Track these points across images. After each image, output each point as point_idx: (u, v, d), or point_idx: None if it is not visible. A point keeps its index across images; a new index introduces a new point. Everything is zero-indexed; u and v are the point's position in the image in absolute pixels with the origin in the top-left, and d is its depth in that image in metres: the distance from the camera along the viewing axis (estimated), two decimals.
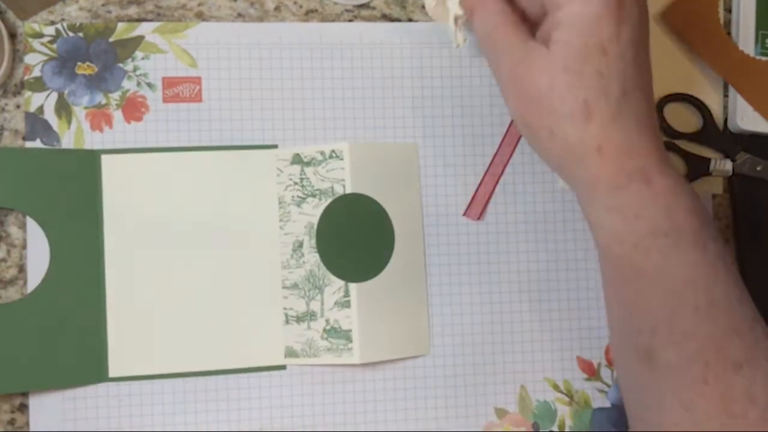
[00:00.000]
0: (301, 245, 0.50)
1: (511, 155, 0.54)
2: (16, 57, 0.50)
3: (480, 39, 0.42)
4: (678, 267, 0.39)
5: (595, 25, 0.38)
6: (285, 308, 0.51)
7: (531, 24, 0.42)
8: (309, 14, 0.53)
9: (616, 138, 0.39)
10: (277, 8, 0.53)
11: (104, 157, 0.50)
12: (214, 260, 0.50)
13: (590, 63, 0.38)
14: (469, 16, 0.43)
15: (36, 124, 0.50)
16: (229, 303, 0.50)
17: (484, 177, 0.54)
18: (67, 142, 0.50)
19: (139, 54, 0.51)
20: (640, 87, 0.40)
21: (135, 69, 0.51)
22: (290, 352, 0.50)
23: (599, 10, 0.38)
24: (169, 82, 0.51)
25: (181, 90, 0.51)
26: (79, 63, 0.50)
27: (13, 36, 0.50)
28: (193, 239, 0.50)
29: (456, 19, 0.44)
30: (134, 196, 0.50)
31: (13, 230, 0.50)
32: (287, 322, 0.50)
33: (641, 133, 0.39)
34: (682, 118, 0.56)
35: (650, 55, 0.41)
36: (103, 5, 0.51)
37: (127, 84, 0.51)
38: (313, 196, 0.50)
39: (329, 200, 0.50)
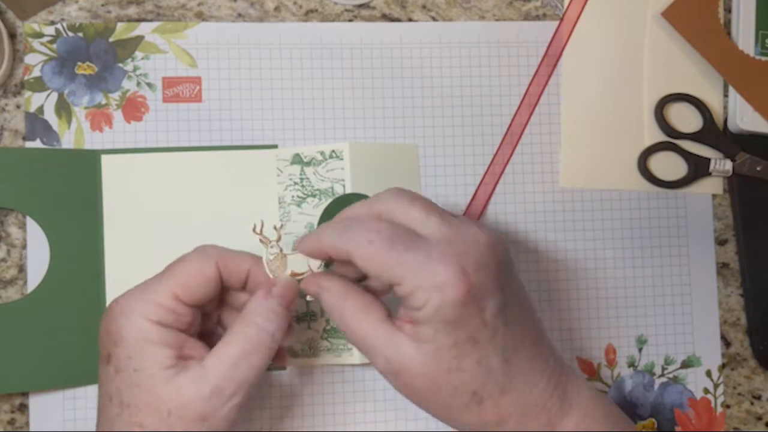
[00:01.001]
0: None
1: (511, 155, 0.54)
2: (16, 57, 0.50)
3: (338, 326, 0.41)
4: None
5: (460, 319, 0.37)
6: None
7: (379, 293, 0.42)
8: (309, 14, 0.53)
9: (511, 407, 0.39)
10: (277, 8, 0.53)
11: (104, 157, 0.50)
12: None
13: (467, 357, 0.38)
14: (316, 297, 0.42)
15: (36, 124, 0.50)
16: None
17: (484, 177, 0.54)
18: (67, 142, 0.50)
19: (139, 54, 0.51)
20: (522, 336, 0.40)
21: (135, 69, 0.51)
22: (290, 352, 0.50)
23: (455, 297, 0.37)
24: (169, 82, 0.51)
25: (181, 90, 0.51)
26: (79, 63, 0.50)
27: (13, 36, 0.50)
28: (193, 239, 0.50)
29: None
30: (134, 196, 0.50)
31: (13, 230, 0.50)
32: None
33: (535, 385, 0.40)
34: (682, 118, 0.56)
35: (522, 285, 0.42)
36: (103, 5, 0.51)
37: (127, 84, 0.51)
38: (313, 196, 0.50)
39: (329, 200, 0.50)
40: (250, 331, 0.40)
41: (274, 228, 0.44)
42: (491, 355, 0.39)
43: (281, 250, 0.43)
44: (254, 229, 0.43)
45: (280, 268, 0.43)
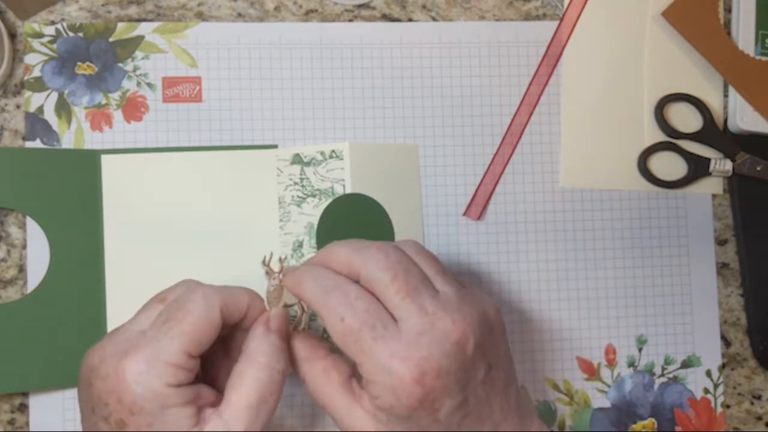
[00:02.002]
0: (301, 245, 0.50)
1: (511, 155, 0.54)
2: (16, 57, 0.50)
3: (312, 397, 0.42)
4: None
5: (412, 417, 0.38)
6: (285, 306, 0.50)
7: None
8: (309, 14, 0.53)
9: None
10: (277, 8, 0.53)
11: (104, 157, 0.50)
12: (214, 260, 0.50)
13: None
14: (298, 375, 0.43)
15: (36, 124, 0.50)
16: None
17: (484, 177, 0.54)
18: (67, 142, 0.50)
19: (139, 54, 0.51)
20: (485, 419, 0.40)
21: (135, 69, 0.51)
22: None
23: (408, 402, 0.37)
24: (169, 82, 0.51)
25: (181, 90, 0.51)
26: (79, 63, 0.50)
27: (13, 36, 0.50)
28: (193, 239, 0.50)
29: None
30: (134, 196, 0.50)
31: (13, 230, 0.50)
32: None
33: None
34: (682, 118, 0.56)
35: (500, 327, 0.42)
36: (103, 5, 0.51)
37: (127, 84, 0.51)
38: (313, 196, 0.50)
39: (329, 200, 0.50)
40: (263, 375, 0.40)
41: (279, 260, 0.44)
42: None
43: (280, 282, 0.43)
44: (263, 261, 0.44)
45: (276, 299, 0.43)
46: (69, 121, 0.50)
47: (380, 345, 0.38)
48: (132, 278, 0.49)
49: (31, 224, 0.49)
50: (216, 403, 0.40)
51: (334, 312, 0.39)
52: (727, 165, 0.55)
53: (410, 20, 0.54)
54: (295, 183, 0.51)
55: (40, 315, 0.48)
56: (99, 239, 0.49)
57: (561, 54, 0.55)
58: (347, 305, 0.39)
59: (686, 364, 0.55)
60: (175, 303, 0.40)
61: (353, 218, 0.50)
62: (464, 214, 0.53)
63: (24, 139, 0.50)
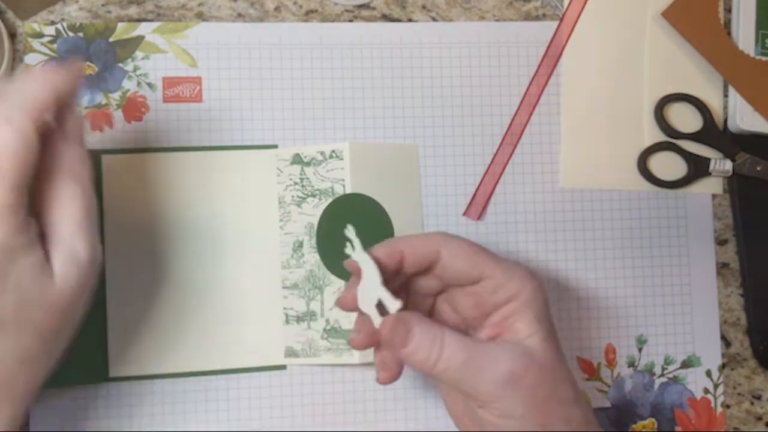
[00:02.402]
0: (301, 245, 0.50)
1: (511, 155, 0.54)
2: (16, 57, 0.50)
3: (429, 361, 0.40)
4: None
5: (545, 308, 0.41)
6: (285, 308, 0.51)
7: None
8: (309, 14, 0.53)
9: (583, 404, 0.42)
10: (277, 8, 0.53)
11: (104, 157, 0.50)
12: (214, 260, 0.50)
13: (559, 350, 0.41)
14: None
15: None
16: (229, 303, 0.50)
17: (484, 177, 0.54)
18: None
19: (139, 54, 0.51)
20: None
21: (135, 69, 0.51)
22: (290, 352, 0.50)
23: (540, 285, 0.42)
24: (169, 82, 0.51)
25: (181, 90, 0.51)
26: None
27: (13, 36, 0.50)
28: (192, 239, 0.50)
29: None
30: (134, 195, 0.50)
31: None
32: (287, 322, 0.50)
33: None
34: (682, 118, 0.56)
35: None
36: (103, 5, 0.51)
37: (127, 84, 0.51)
38: (313, 196, 0.50)
39: (329, 200, 0.50)
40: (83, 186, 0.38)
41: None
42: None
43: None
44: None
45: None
46: None
47: (497, 255, 0.43)
48: (132, 278, 0.49)
49: None
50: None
51: (448, 238, 0.42)
52: (727, 165, 0.55)
53: (410, 20, 0.54)
54: (295, 183, 0.51)
55: None
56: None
57: (561, 54, 0.55)
58: (453, 235, 0.43)
59: (686, 364, 0.55)
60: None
61: (353, 218, 0.50)
62: (464, 214, 0.53)
63: None
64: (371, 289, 0.41)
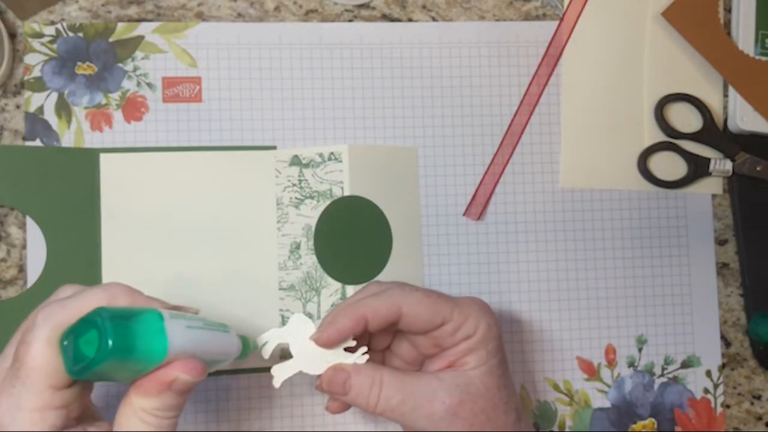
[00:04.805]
0: (298, 247, 0.50)
1: (511, 155, 0.54)
2: (16, 57, 0.50)
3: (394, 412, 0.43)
4: None
5: (498, 340, 0.44)
6: (281, 310, 0.51)
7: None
8: (309, 14, 0.53)
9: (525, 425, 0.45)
10: (277, 8, 0.53)
11: (103, 156, 0.50)
12: (211, 260, 0.50)
13: (506, 376, 0.44)
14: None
15: (36, 124, 0.50)
16: (225, 303, 0.50)
17: (484, 177, 0.54)
18: (67, 142, 0.50)
19: (139, 54, 0.51)
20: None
21: (135, 69, 0.51)
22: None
23: (495, 321, 0.44)
24: (169, 82, 0.51)
25: (181, 90, 0.51)
26: (79, 63, 0.50)
27: (13, 36, 0.50)
28: (190, 239, 0.50)
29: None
30: (132, 195, 0.50)
31: (13, 230, 0.50)
32: (284, 323, 0.50)
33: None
34: (682, 118, 0.55)
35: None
36: (103, 5, 0.51)
37: (127, 84, 0.51)
38: (312, 197, 0.50)
39: (327, 202, 0.50)
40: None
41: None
42: (511, 377, 0.45)
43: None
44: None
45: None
46: (69, 121, 0.50)
47: (452, 297, 0.45)
48: (128, 277, 0.49)
49: (31, 224, 0.49)
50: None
51: (404, 292, 0.44)
52: (727, 165, 0.55)
53: (410, 20, 0.54)
54: (294, 184, 0.51)
55: None
56: (96, 237, 0.49)
57: (561, 54, 0.55)
58: (409, 287, 0.45)
59: (686, 364, 0.55)
60: (21, 340, 0.35)
61: (351, 221, 0.50)
62: (464, 214, 0.53)
63: (24, 139, 0.50)
64: (326, 353, 0.43)
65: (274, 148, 0.52)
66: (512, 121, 0.54)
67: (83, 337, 0.33)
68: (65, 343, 0.34)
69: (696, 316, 0.55)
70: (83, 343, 0.33)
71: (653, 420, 0.54)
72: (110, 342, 0.32)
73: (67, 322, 0.34)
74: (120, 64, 0.51)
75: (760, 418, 0.56)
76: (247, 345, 0.42)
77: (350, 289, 0.50)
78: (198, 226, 0.50)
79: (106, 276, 0.49)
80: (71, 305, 0.35)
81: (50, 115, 0.50)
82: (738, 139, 0.55)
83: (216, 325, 0.38)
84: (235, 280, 0.50)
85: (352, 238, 0.50)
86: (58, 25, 0.50)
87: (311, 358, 0.43)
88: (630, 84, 0.55)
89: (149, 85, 0.51)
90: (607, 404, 0.54)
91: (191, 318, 0.37)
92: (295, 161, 0.51)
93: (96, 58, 0.51)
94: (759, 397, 0.56)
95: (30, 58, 0.50)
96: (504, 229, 0.54)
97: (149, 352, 0.34)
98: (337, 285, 0.50)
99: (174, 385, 0.35)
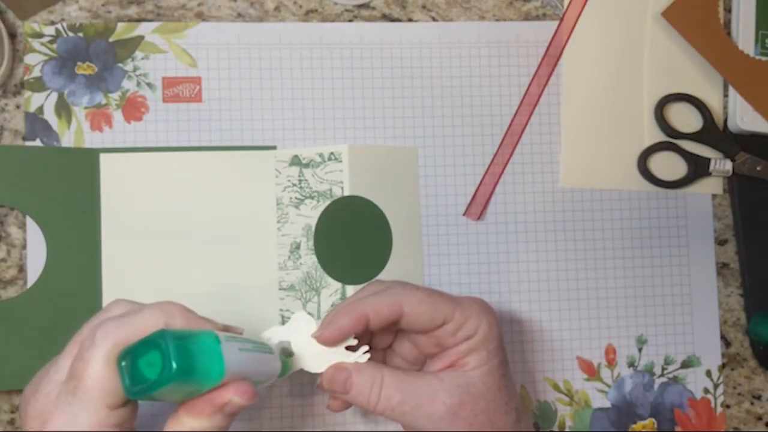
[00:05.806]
0: (298, 247, 0.50)
1: (511, 155, 0.54)
2: (16, 57, 0.50)
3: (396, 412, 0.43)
4: None
5: (499, 340, 0.44)
6: (281, 310, 0.51)
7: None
8: (309, 14, 0.53)
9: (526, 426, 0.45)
10: (277, 8, 0.53)
11: (103, 156, 0.50)
12: (211, 260, 0.50)
13: (507, 377, 0.44)
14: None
15: (36, 124, 0.50)
16: (225, 303, 0.50)
17: (484, 177, 0.54)
18: (67, 142, 0.50)
19: (138, 54, 0.51)
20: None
21: (135, 69, 0.51)
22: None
23: (496, 321, 0.44)
24: (169, 82, 0.51)
25: (181, 90, 0.51)
26: (79, 63, 0.50)
27: (13, 36, 0.50)
28: (190, 239, 0.50)
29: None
30: (132, 195, 0.50)
31: (13, 230, 0.50)
32: (284, 323, 0.50)
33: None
34: (682, 118, 0.55)
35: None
36: (103, 5, 0.51)
37: (127, 84, 0.51)
38: (312, 197, 0.50)
39: (327, 202, 0.50)
40: None
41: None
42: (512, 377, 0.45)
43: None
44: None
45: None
46: (69, 121, 0.50)
47: (453, 296, 0.44)
48: (128, 277, 0.49)
49: (31, 224, 0.49)
50: None
51: (405, 291, 0.43)
52: (727, 165, 0.55)
53: (410, 20, 0.54)
54: (294, 184, 0.51)
55: (37, 313, 0.48)
56: (96, 237, 0.49)
57: (561, 54, 0.55)
58: (410, 286, 0.44)
59: (686, 364, 0.55)
60: (78, 356, 0.35)
61: (351, 221, 0.50)
62: (464, 214, 0.53)
63: (24, 139, 0.50)
64: (327, 351, 0.43)
65: (274, 148, 0.52)
66: (512, 121, 0.54)
67: (143, 358, 0.33)
68: (123, 363, 0.34)
69: (696, 316, 0.55)
70: (144, 364, 0.33)
71: (653, 420, 0.54)
72: (174, 365, 0.32)
73: (125, 341, 0.34)
74: (120, 64, 0.51)
75: (760, 418, 0.56)
76: (287, 365, 0.42)
77: (350, 289, 0.50)
78: (198, 226, 0.50)
79: (106, 275, 0.49)
80: (129, 324, 0.35)
81: (50, 115, 0.50)
82: (738, 139, 0.55)
83: (261, 345, 0.39)
84: (235, 280, 0.50)
85: (352, 238, 0.50)
86: (58, 25, 0.50)
87: (312, 357, 0.43)
88: (630, 84, 0.55)
89: (149, 85, 0.51)
90: (607, 404, 0.54)
91: (242, 340, 0.37)
92: (295, 161, 0.51)
93: (96, 58, 0.51)
94: (759, 397, 0.56)
95: (30, 58, 0.50)
96: (504, 229, 0.54)
97: (207, 374, 0.34)
98: (337, 285, 0.50)
99: (227, 407, 0.35)
